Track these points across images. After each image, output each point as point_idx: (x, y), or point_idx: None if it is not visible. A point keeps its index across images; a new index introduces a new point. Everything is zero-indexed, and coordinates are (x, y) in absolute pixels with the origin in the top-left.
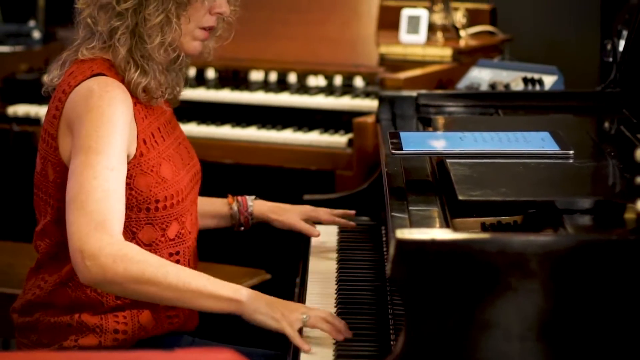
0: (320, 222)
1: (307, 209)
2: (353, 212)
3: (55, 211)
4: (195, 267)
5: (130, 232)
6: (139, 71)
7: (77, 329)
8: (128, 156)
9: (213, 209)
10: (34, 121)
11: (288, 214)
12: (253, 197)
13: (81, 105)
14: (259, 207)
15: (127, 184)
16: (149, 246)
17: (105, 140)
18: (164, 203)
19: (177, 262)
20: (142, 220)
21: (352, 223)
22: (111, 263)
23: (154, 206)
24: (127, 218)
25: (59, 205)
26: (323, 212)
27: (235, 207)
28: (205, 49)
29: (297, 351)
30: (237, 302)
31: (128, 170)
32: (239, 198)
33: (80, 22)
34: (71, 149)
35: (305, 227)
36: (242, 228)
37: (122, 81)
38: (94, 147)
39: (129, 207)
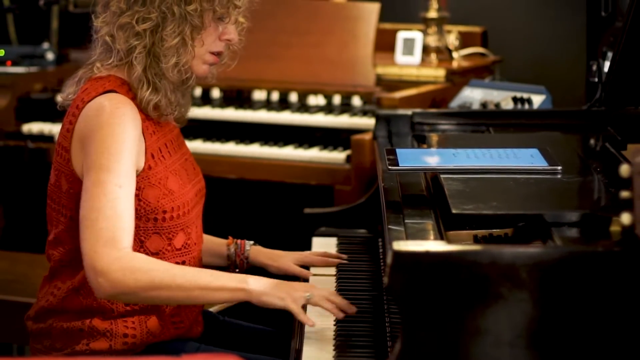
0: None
1: (301, 255)
2: (345, 256)
3: (68, 220)
4: None
5: (139, 241)
6: (150, 89)
7: (88, 334)
8: (136, 170)
9: (212, 247)
10: (47, 138)
11: (282, 260)
12: (252, 242)
13: (93, 121)
14: (256, 252)
15: (136, 195)
16: (156, 255)
17: (115, 158)
18: (170, 214)
19: None
20: (149, 229)
21: (343, 257)
22: (121, 277)
23: (161, 216)
24: (136, 227)
25: (71, 214)
26: (317, 259)
27: (232, 249)
28: (210, 72)
29: (298, 357)
30: (243, 290)
31: (137, 182)
32: (238, 241)
33: (98, 40)
34: (83, 163)
35: (298, 270)
36: (237, 270)
37: (133, 98)
38: (105, 164)
39: (137, 216)
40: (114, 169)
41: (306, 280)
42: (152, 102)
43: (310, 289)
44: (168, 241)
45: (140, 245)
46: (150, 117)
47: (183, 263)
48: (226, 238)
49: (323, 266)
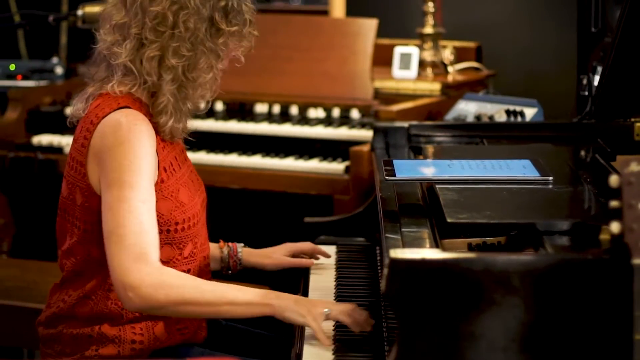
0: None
1: (289, 246)
2: (330, 255)
3: (81, 232)
4: None
5: None
6: (174, 118)
7: (97, 340)
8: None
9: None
10: (57, 150)
11: (275, 255)
12: (242, 244)
13: (110, 137)
14: (248, 254)
15: None
16: (167, 263)
17: (136, 174)
18: (182, 225)
19: None
20: (162, 240)
21: (329, 254)
22: (152, 292)
23: (173, 228)
24: None
25: (85, 227)
26: (306, 247)
27: (225, 251)
28: None
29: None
30: (268, 305)
31: None
32: (230, 244)
33: (118, 65)
34: (101, 178)
35: (297, 261)
36: (230, 272)
37: (146, 114)
38: (128, 180)
39: None
40: (137, 185)
41: (307, 269)
42: (169, 127)
43: (328, 305)
44: (179, 251)
45: None
46: (159, 134)
47: (189, 271)
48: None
49: (312, 254)
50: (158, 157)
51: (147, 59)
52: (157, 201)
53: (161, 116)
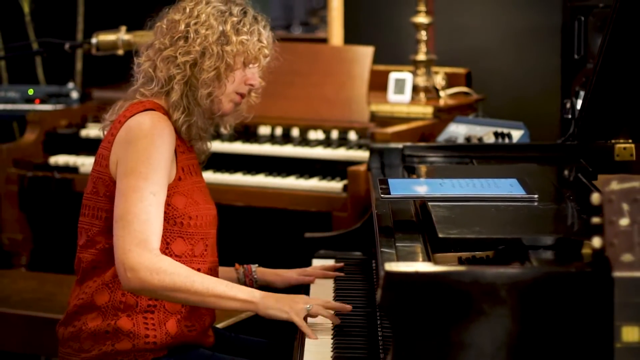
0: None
1: (301, 270)
2: (342, 264)
3: (103, 222)
4: None
5: (165, 242)
6: (185, 113)
7: (113, 335)
8: (168, 180)
9: (223, 274)
10: (72, 169)
11: (286, 274)
12: (256, 265)
13: (134, 130)
14: (262, 273)
15: (166, 200)
16: (179, 257)
17: (153, 168)
18: (195, 221)
19: None
20: (175, 232)
21: (340, 273)
22: (148, 275)
23: (187, 222)
24: (164, 229)
25: (107, 215)
26: (316, 271)
27: (241, 272)
28: (227, 122)
29: None
30: (252, 302)
31: (168, 190)
32: (245, 265)
33: (140, 72)
34: (119, 166)
35: (301, 279)
36: None
37: (169, 119)
38: (144, 172)
39: (165, 219)
40: (151, 177)
41: (308, 284)
42: (185, 124)
43: (309, 301)
44: (190, 247)
45: (166, 246)
46: (180, 138)
47: (199, 270)
48: (234, 261)
49: (322, 278)
50: (177, 157)
51: (161, 60)
52: (173, 195)
53: (176, 113)
